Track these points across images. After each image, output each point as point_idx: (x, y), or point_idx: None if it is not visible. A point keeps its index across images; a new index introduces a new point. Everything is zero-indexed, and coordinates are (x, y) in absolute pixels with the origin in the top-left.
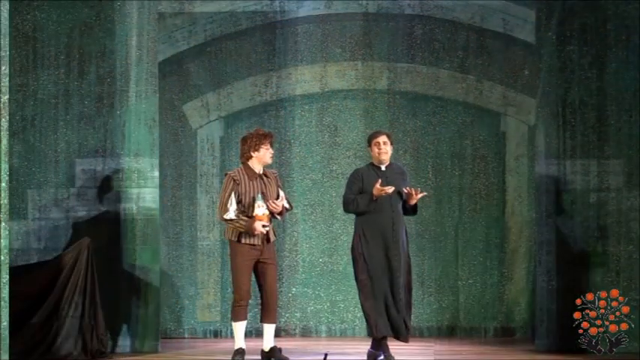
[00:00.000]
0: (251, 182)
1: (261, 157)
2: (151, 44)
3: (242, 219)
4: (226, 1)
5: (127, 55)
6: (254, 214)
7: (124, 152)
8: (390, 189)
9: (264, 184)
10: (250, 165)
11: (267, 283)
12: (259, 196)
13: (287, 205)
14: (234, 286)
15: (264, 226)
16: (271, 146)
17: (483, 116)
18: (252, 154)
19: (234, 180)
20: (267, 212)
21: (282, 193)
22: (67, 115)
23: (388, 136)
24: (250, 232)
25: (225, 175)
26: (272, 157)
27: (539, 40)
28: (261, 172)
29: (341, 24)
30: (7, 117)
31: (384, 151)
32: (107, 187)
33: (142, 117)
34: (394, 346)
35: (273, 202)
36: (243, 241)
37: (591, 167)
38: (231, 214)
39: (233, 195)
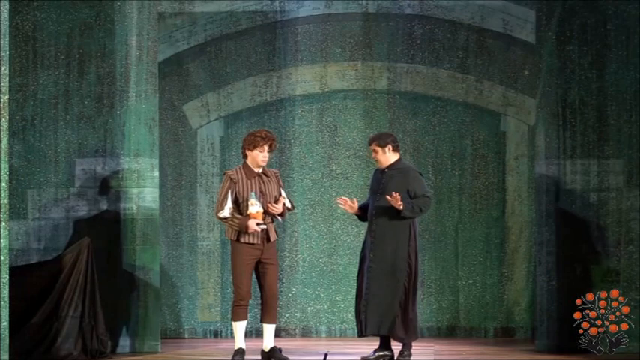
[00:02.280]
0: (249, 181)
1: (254, 158)
2: (151, 44)
3: (236, 217)
4: (226, 1)
5: (127, 55)
6: (248, 213)
7: (124, 152)
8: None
9: (263, 183)
10: (248, 164)
11: (267, 283)
12: (252, 194)
13: (289, 205)
14: (234, 285)
15: (258, 224)
16: (270, 150)
17: (483, 116)
18: (247, 153)
19: (231, 179)
20: (261, 210)
21: (283, 193)
22: (67, 115)
23: (376, 143)
24: (244, 231)
25: (224, 174)
26: (265, 161)
27: (539, 40)
28: (259, 171)
29: (341, 24)
30: (7, 117)
31: (375, 159)
32: (107, 187)
33: (142, 117)
34: (394, 346)
35: (273, 205)
36: (242, 240)
37: (591, 167)
38: (225, 212)
39: (229, 194)
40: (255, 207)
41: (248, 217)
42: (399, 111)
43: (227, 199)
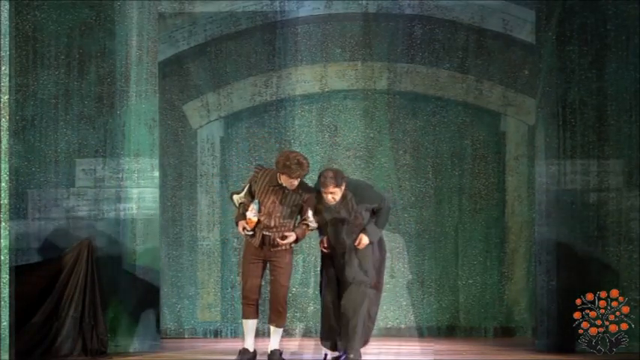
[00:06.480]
0: (268, 187)
1: (283, 180)
2: (151, 44)
3: (240, 208)
4: (226, 1)
5: (127, 55)
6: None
7: (124, 152)
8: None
9: (284, 195)
10: (278, 175)
11: (273, 287)
12: (256, 201)
13: (314, 226)
14: (241, 281)
15: (244, 228)
16: (298, 178)
17: (483, 116)
18: (277, 169)
19: (255, 175)
20: (255, 219)
21: (309, 213)
22: (67, 115)
23: (334, 184)
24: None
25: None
26: (293, 187)
27: (539, 40)
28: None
29: (341, 24)
30: (7, 117)
31: (333, 199)
32: (107, 187)
33: (142, 117)
34: (394, 346)
35: (279, 241)
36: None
37: (591, 167)
38: (239, 197)
39: (248, 185)
40: (251, 212)
41: (243, 215)
42: (399, 111)
43: (245, 188)
